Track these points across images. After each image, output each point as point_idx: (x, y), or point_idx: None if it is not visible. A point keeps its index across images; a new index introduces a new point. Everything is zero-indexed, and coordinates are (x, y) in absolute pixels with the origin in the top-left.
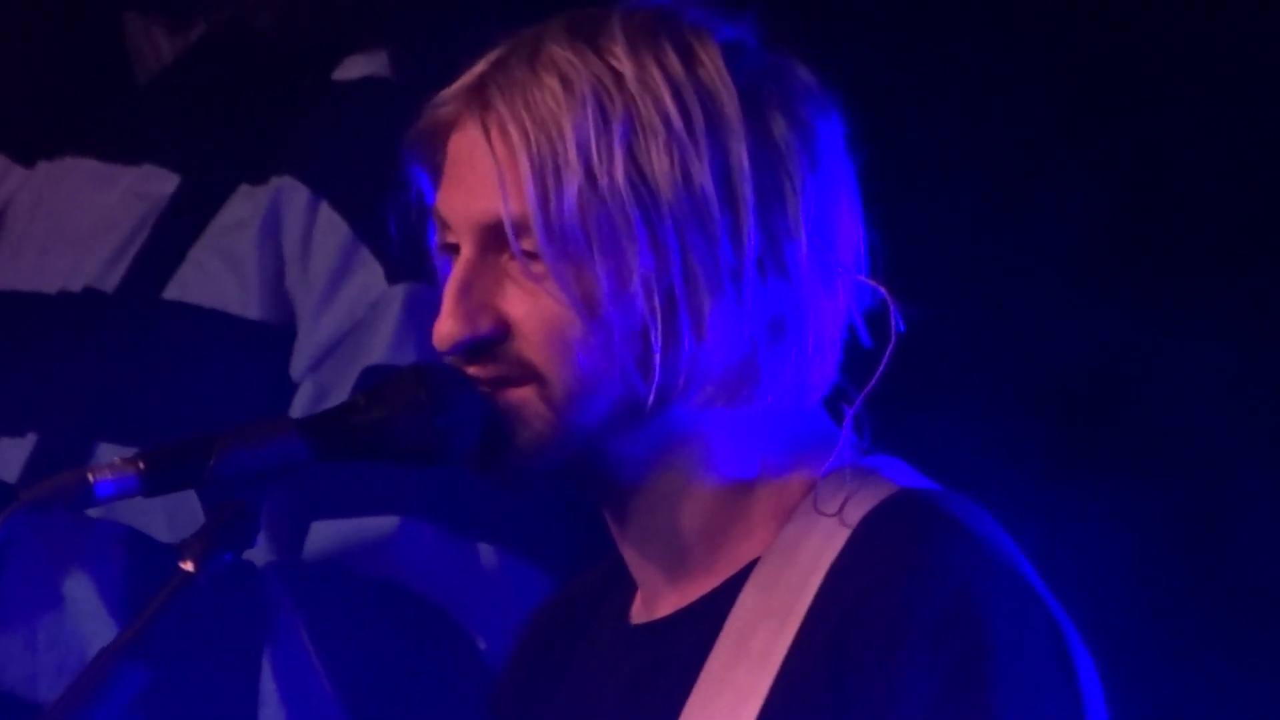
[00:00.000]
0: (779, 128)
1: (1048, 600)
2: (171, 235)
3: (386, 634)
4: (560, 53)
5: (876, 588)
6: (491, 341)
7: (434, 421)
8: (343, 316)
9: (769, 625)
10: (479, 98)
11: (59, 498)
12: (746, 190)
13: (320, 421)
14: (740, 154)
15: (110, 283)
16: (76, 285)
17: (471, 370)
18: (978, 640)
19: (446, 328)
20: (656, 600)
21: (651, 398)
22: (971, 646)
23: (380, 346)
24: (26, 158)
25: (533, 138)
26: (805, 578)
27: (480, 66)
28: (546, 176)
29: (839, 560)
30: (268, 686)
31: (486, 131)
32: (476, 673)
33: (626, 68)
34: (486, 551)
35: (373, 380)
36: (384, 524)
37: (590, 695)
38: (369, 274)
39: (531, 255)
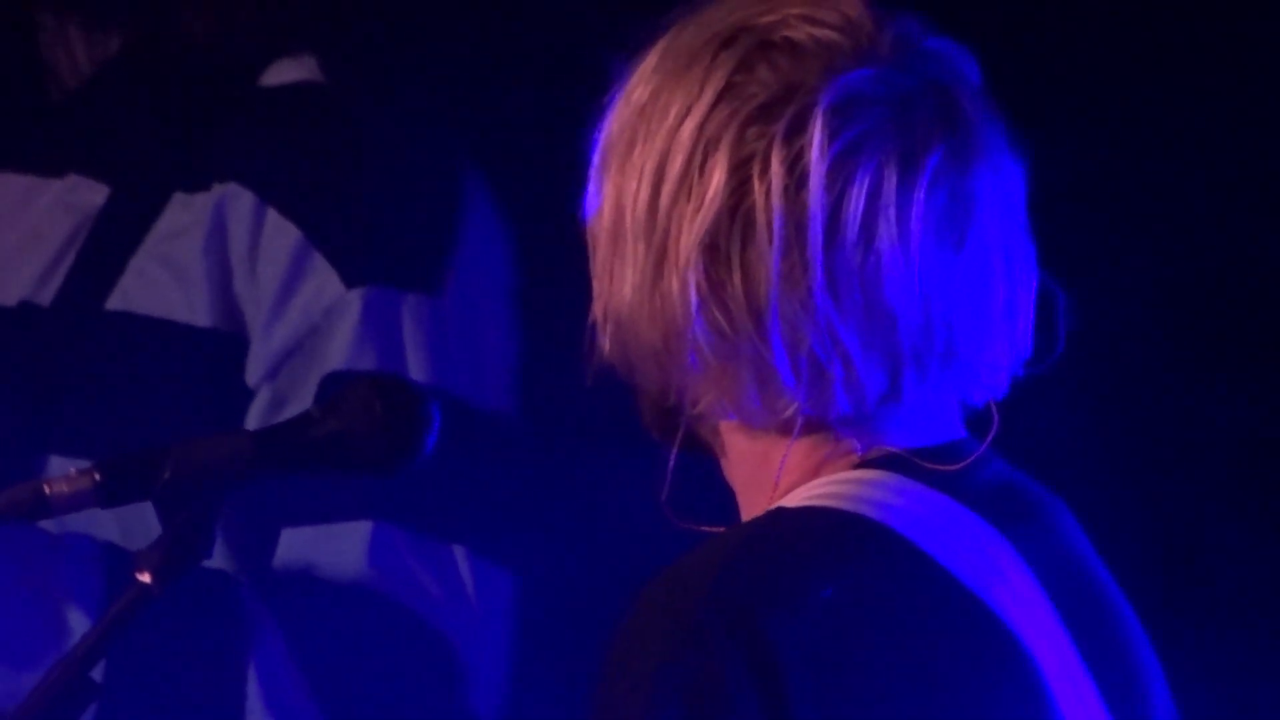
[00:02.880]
0: None
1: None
2: (107, 246)
3: (364, 639)
4: None
5: None
6: None
7: (388, 433)
8: (297, 323)
9: None
10: None
11: (14, 510)
12: None
13: (275, 434)
14: None
15: (46, 296)
16: (11, 300)
17: None
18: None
19: None
20: None
21: None
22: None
23: (339, 353)
24: None
25: None
26: None
27: None
28: None
29: None
30: (253, 696)
31: None
32: (454, 674)
33: None
34: (459, 553)
35: (334, 387)
36: (356, 529)
37: None
38: (323, 279)
39: None
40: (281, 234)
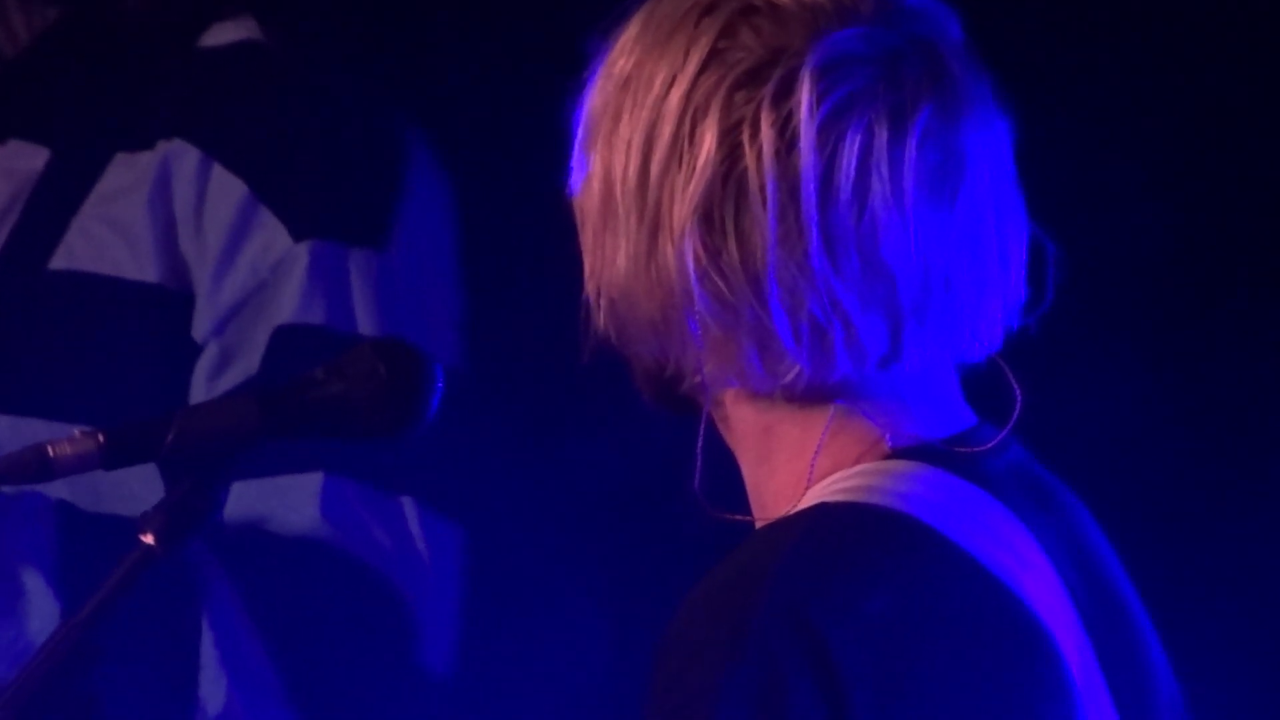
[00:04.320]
0: None
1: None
2: (49, 207)
3: (316, 592)
4: None
5: None
6: None
7: (395, 400)
8: (245, 277)
9: None
10: None
11: (18, 472)
12: None
13: (279, 398)
14: None
15: None
16: None
17: None
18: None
19: None
20: None
21: None
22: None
23: (288, 306)
24: None
25: None
26: None
27: None
28: None
29: None
30: (207, 650)
31: None
32: (406, 627)
33: None
34: (408, 506)
35: (284, 341)
36: (308, 482)
37: None
38: (271, 233)
39: None
40: (228, 188)
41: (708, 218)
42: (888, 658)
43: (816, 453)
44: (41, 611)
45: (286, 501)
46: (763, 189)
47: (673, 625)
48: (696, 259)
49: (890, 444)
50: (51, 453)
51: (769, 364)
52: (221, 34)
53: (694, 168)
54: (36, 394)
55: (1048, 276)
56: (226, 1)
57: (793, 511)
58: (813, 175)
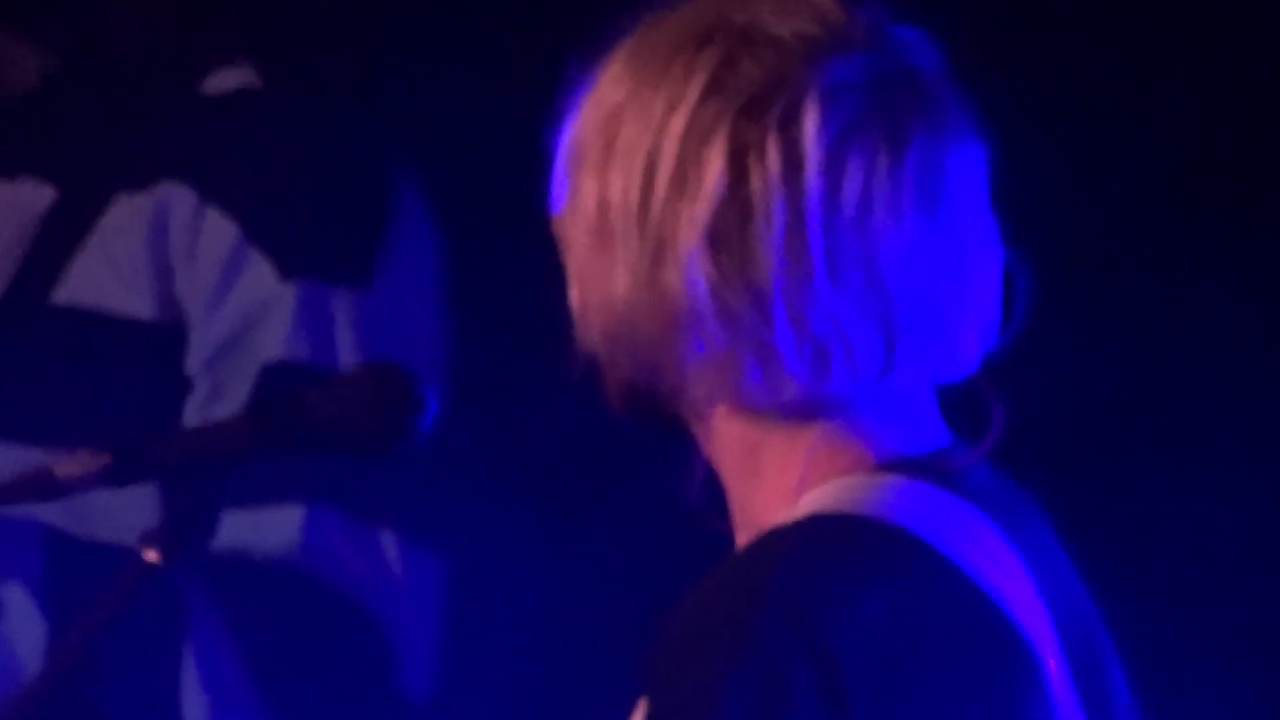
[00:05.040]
0: None
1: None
2: (54, 243)
3: (297, 621)
4: None
5: None
6: None
7: (386, 419)
8: (234, 314)
9: None
10: None
11: (26, 491)
12: None
13: (274, 416)
14: None
15: None
16: None
17: None
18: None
19: None
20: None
21: None
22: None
23: (275, 343)
24: None
25: None
26: None
27: None
28: None
29: None
30: (189, 677)
31: None
32: (384, 657)
33: None
34: (388, 539)
35: (271, 377)
36: (289, 514)
37: None
38: (259, 272)
39: None
40: (221, 230)
41: (714, 239)
42: (885, 660)
43: (805, 467)
44: (29, 633)
45: (268, 531)
46: (769, 211)
47: (673, 626)
48: (707, 279)
49: (875, 458)
50: (58, 472)
51: (769, 380)
52: (222, 81)
53: (700, 191)
54: (37, 423)
55: (1017, 301)
56: (227, 48)
57: (788, 521)
58: (818, 197)
